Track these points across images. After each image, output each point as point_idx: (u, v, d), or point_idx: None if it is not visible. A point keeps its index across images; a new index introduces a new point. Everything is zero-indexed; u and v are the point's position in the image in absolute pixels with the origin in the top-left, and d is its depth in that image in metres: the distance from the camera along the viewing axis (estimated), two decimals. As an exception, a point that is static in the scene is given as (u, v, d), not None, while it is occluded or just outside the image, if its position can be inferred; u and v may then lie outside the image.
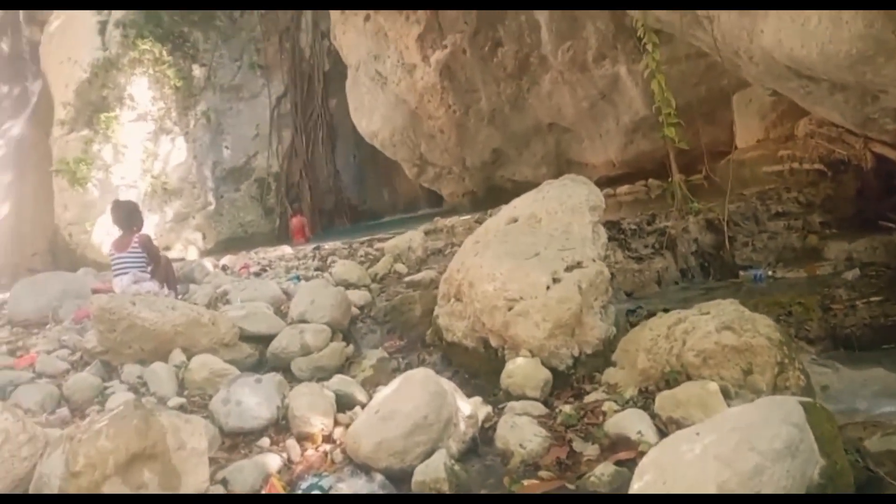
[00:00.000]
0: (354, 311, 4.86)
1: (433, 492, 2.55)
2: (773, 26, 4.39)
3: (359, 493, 2.64)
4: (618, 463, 2.56)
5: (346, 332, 4.59)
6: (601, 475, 2.49)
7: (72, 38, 14.99)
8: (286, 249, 10.03)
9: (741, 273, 5.12)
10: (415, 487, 2.60)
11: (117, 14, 14.78)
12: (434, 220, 10.22)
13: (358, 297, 5.11)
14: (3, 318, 6.26)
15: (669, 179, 6.26)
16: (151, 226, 12.91)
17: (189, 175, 15.42)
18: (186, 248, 15.08)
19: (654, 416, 2.82)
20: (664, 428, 2.74)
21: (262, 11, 16.85)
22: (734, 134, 8.19)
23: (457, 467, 2.67)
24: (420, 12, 10.36)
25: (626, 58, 9.14)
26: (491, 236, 4.31)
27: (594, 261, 3.81)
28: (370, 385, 3.64)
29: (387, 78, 11.96)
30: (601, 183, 10.30)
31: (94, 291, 5.92)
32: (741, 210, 5.60)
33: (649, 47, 5.75)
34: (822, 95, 4.93)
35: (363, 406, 3.22)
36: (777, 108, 7.46)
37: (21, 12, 17.28)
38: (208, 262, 8.51)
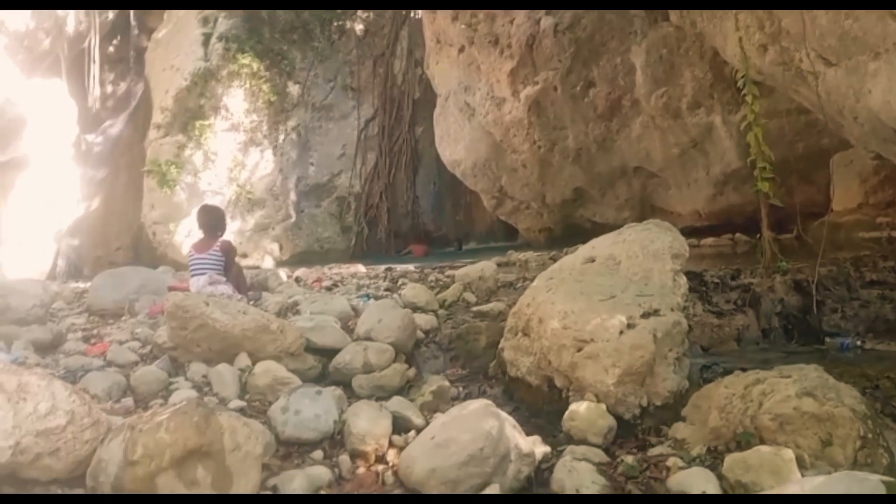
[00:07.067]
0: (420, 334, 4.85)
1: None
2: (883, 86, 4.24)
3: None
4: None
5: (410, 354, 4.57)
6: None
7: (176, 47, 15.76)
8: (360, 268, 10.16)
9: (827, 340, 4.89)
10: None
11: (221, 27, 15.47)
12: (508, 253, 10.19)
13: (425, 321, 5.10)
14: (83, 305, 6.52)
15: (758, 235, 6.06)
16: (232, 232, 13.32)
17: (273, 187, 15.89)
18: (263, 257, 15.48)
19: (721, 477, 2.69)
20: (730, 491, 2.61)
21: (360, 36, 17.36)
22: (831, 195, 7.92)
23: (509, 505, 2.61)
24: (515, 47, 10.44)
25: (723, 108, 8.97)
26: (566, 274, 4.24)
27: (672, 310, 3.70)
28: (428, 410, 3.60)
29: (475, 109, 12.09)
30: (685, 233, 10.01)
31: (171, 289, 6.10)
32: (833, 274, 5.35)
33: (749, 98, 5.60)
34: (931, 162, 4.72)
35: (419, 430, 3.19)
36: (879, 173, 7.20)
37: (133, 20, 18.29)
38: (283, 273, 8.70)
